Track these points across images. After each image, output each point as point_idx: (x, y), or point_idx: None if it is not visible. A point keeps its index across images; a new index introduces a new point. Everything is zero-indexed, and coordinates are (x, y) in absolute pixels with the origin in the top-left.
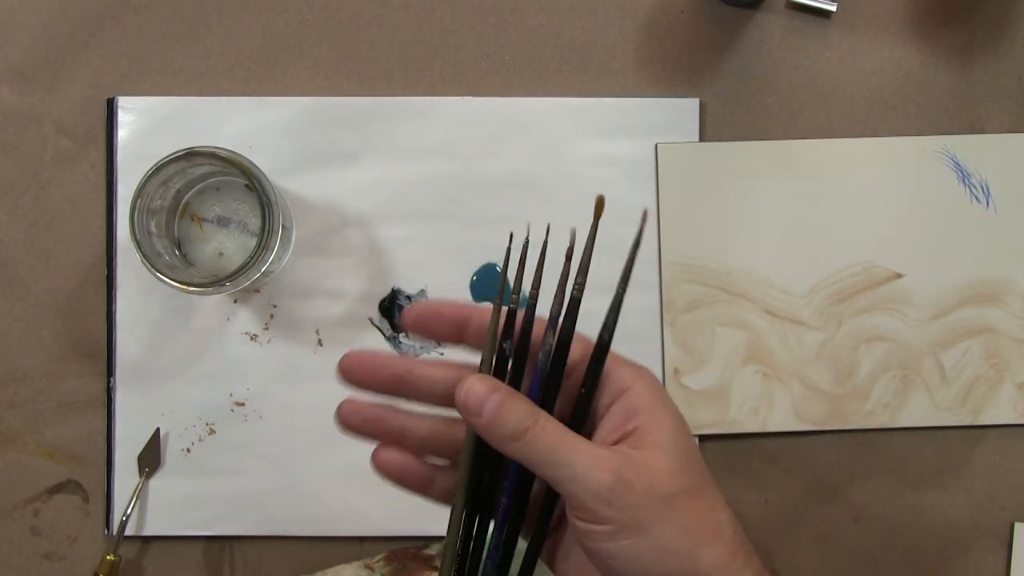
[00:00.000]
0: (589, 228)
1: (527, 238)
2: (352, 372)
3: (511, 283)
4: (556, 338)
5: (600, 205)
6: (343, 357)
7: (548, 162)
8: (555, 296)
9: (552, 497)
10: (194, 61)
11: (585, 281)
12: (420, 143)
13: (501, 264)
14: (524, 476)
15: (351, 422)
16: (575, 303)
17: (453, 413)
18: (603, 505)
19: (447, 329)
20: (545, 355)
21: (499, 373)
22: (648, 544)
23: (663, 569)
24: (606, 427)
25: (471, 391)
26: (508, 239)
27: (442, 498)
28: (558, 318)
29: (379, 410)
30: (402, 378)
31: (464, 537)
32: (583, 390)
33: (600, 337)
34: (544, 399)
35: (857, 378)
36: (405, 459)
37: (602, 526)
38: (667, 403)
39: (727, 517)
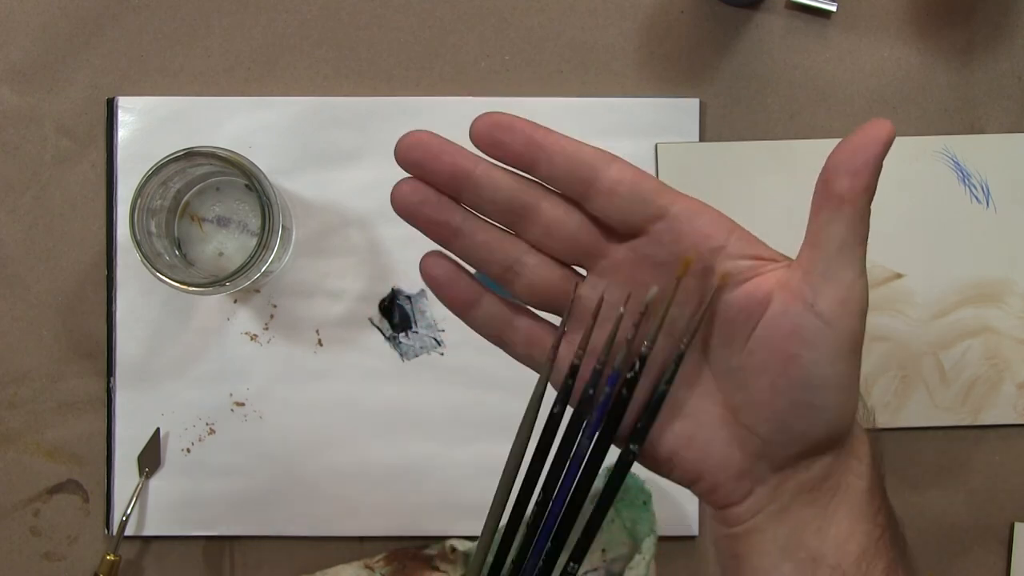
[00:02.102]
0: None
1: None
2: (411, 150)
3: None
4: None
5: (686, 266)
6: (405, 134)
7: None
8: (618, 351)
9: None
10: (194, 61)
11: (656, 339)
12: None
13: None
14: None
15: (412, 199)
16: (643, 359)
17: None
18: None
19: (521, 146)
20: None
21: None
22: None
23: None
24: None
25: None
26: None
27: (482, 327)
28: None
29: (441, 196)
30: (466, 172)
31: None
32: (631, 446)
33: (656, 386)
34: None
35: None
36: (456, 269)
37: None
38: None
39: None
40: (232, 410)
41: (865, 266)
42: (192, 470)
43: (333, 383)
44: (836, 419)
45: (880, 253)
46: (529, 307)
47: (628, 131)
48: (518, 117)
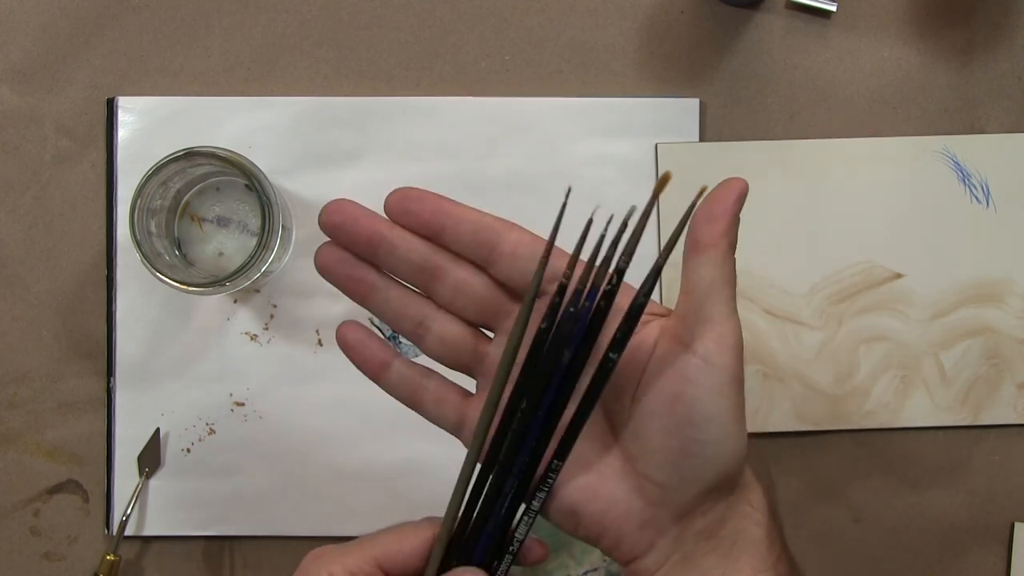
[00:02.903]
0: (647, 202)
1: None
2: (333, 215)
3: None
4: (592, 311)
5: (664, 181)
6: (328, 203)
7: (548, 162)
8: (596, 270)
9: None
10: (194, 61)
11: (631, 258)
12: (420, 143)
13: None
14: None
15: (332, 258)
16: (620, 273)
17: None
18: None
19: (429, 214)
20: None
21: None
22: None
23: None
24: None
25: None
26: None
27: (395, 387)
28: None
29: (358, 259)
30: (382, 235)
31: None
32: (610, 353)
33: (635, 299)
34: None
35: (857, 378)
36: (369, 334)
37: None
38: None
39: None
40: (232, 410)
41: (736, 306)
42: (192, 470)
43: (333, 383)
44: (724, 456)
45: (880, 253)
46: (439, 366)
47: (628, 131)
48: (428, 191)
